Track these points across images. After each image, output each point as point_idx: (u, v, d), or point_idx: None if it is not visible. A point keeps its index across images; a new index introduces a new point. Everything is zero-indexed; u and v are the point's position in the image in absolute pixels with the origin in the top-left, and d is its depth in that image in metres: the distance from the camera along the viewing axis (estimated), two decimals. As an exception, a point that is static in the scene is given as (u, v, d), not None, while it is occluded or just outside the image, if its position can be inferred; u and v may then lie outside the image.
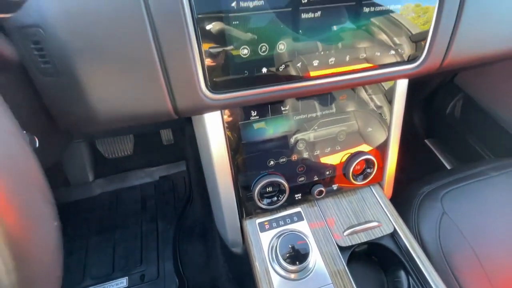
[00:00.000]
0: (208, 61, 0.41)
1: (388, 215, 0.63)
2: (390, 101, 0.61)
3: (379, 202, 0.65)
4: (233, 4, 0.38)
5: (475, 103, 1.13)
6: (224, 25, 0.39)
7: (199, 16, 0.38)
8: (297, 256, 0.53)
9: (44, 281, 0.26)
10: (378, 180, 0.69)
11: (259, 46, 0.42)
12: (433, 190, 0.74)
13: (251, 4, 0.39)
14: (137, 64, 0.39)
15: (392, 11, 0.46)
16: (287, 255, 0.53)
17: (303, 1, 0.40)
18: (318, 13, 0.42)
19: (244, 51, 0.42)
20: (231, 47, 0.41)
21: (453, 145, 1.27)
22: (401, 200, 0.74)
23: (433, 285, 0.53)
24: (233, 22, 0.40)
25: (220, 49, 0.41)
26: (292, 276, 0.53)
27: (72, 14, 0.35)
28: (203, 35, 0.39)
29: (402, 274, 0.58)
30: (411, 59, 0.52)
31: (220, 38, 0.40)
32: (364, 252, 0.63)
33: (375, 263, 0.63)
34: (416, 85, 1.39)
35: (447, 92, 1.24)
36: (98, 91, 0.40)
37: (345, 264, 0.55)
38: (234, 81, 0.44)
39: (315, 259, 0.55)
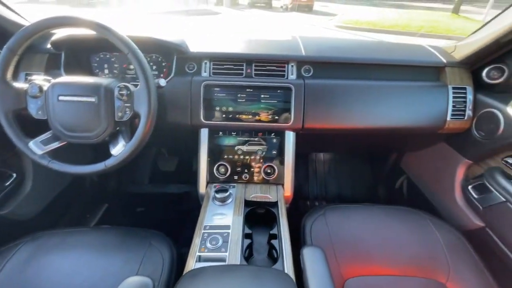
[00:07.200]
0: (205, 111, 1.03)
1: (277, 195, 1.01)
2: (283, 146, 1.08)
3: (276, 189, 1.04)
4: (215, 92, 1.03)
5: (412, 182, 1.58)
6: (213, 98, 1.02)
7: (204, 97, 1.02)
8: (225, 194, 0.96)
9: None
10: (281, 181, 1.07)
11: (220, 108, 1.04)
12: (320, 206, 1.12)
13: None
14: None
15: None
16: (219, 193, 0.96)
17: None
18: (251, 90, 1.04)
19: (217, 109, 1.03)
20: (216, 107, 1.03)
21: None
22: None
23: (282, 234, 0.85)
24: (217, 95, 1.03)
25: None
26: (221, 203, 0.95)
27: None
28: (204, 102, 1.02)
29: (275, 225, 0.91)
30: (287, 123, 1.03)
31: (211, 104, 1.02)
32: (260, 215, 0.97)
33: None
34: (377, 167, 1.90)
35: (395, 172, 1.71)
36: None
37: (243, 206, 0.94)
38: (211, 117, 1.02)
39: (233, 197, 0.98)
